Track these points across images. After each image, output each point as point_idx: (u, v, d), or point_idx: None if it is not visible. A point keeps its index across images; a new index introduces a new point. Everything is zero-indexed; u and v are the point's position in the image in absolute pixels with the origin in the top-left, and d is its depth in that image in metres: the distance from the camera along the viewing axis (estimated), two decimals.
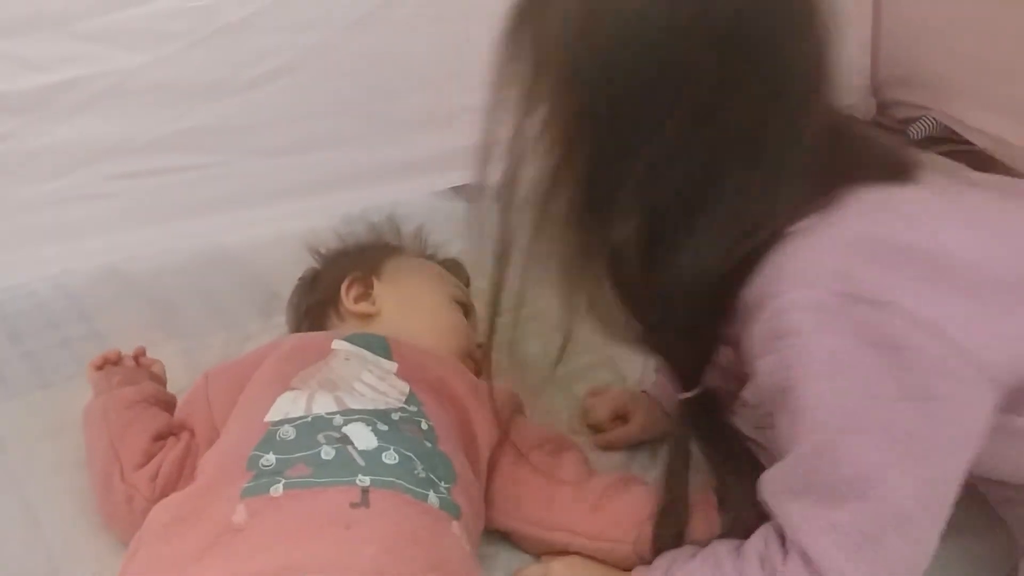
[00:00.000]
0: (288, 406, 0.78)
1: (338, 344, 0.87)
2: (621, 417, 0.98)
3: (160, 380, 0.95)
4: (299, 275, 1.07)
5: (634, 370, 1.06)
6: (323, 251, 1.07)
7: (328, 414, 0.76)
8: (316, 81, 1.22)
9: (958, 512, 0.67)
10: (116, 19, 1.09)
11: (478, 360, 0.97)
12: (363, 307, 0.96)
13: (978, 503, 0.81)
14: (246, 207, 1.26)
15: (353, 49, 1.22)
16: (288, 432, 0.75)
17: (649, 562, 0.77)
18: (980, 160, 1.38)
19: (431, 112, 1.30)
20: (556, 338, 1.13)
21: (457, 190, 1.38)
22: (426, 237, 1.11)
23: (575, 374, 1.06)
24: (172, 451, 0.83)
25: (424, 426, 0.79)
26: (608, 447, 0.97)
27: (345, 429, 0.74)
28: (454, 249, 1.16)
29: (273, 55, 1.19)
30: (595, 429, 0.99)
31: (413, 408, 0.81)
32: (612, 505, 0.83)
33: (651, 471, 0.93)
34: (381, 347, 0.87)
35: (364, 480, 0.70)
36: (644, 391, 0.99)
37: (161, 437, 0.85)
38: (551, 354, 1.06)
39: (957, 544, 0.81)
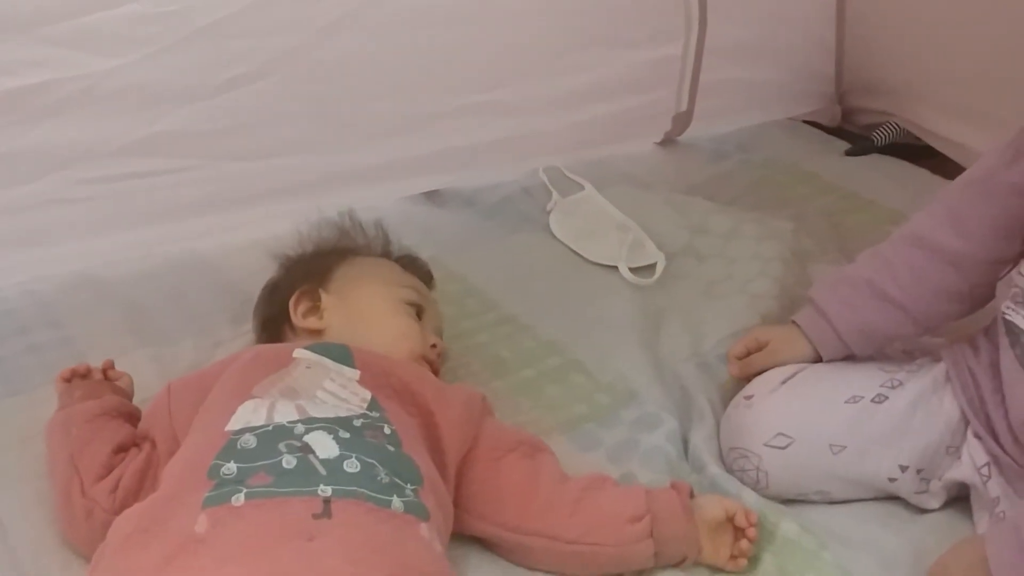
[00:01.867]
0: (249, 415, 0.78)
1: (299, 353, 0.87)
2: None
3: (126, 394, 0.95)
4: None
5: (604, 372, 1.08)
6: (283, 258, 1.07)
7: (289, 423, 0.77)
8: (289, 85, 1.23)
9: None
10: (87, 23, 1.09)
11: (433, 361, 0.98)
12: (311, 322, 0.97)
13: None
14: (219, 212, 1.27)
15: (325, 54, 1.23)
16: (249, 441, 0.75)
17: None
18: (943, 165, 1.41)
19: (403, 117, 1.31)
20: (526, 340, 1.16)
21: (429, 195, 1.40)
22: (387, 234, 1.11)
23: (545, 376, 1.08)
24: (133, 463, 0.83)
25: (387, 431, 0.80)
26: (744, 373, 0.99)
27: (306, 438, 0.75)
28: (424, 254, 1.17)
29: (245, 59, 1.19)
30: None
31: (375, 414, 0.81)
32: (590, 508, 0.83)
33: (622, 470, 0.94)
34: (343, 355, 0.88)
35: (326, 490, 0.71)
36: (793, 320, 1.01)
37: (122, 449, 0.85)
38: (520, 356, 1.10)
39: None
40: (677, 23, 1.36)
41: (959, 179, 0.99)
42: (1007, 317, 0.88)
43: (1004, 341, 0.88)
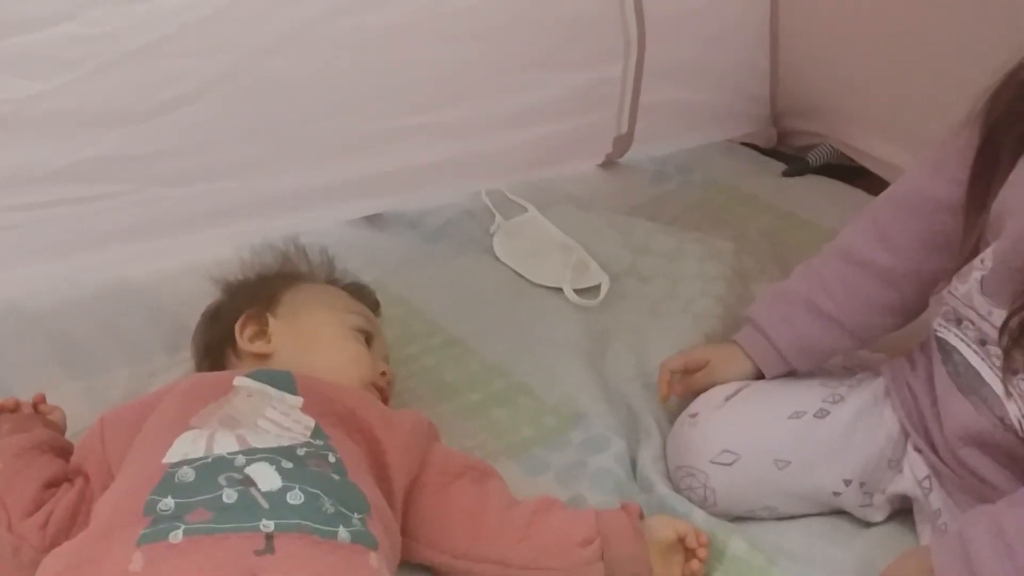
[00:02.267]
0: (187, 447, 0.75)
1: (240, 381, 0.85)
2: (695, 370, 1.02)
3: (58, 428, 0.91)
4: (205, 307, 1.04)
5: (551, 394, 1.07)
6: (225, 283, 1.04)
7: (230, 454, 0.74)
8: (225, 107, 1.20)
9: None
10: (12, 45, 1.05)
11: (382, 388, 0.96)
12: (258, 346, 0.95)
13: None
14: (152, 238, 1.23)
15: (261, 75, 1.21)
16: (187, 474, 0.72)
17: None
18: (876, 184, 1.44)
19: (344, 139, 1.30)
20: (472, 364, 1.15)
21: (371, 218, 1.38)
22: (332, 261, 1.09)
23: (492, 399, 1.07)
24: (64, 498, 0.80)
25: (332, 459, 0.78)
26: (688, 391, 1.00)
27: (248, 470, 0.73)
28: (367, 278, 1.15)
29: (179, 81, 1.16)
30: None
31: (319, 442, 0.79)
32: (540, 532, 0.83)
33: (571, 492, 0.94)
34: (286, 382, 0.85)
35: (268, 525, 0.69)
36: (734, 339, 1.02)
37: (53, 484, 0.81)
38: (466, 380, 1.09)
39: None
40: (616, 45, 1.37)
41: (884, 195, 1.01)
42: (939, 334, 0.90)
43: (936, 357, 0.90)
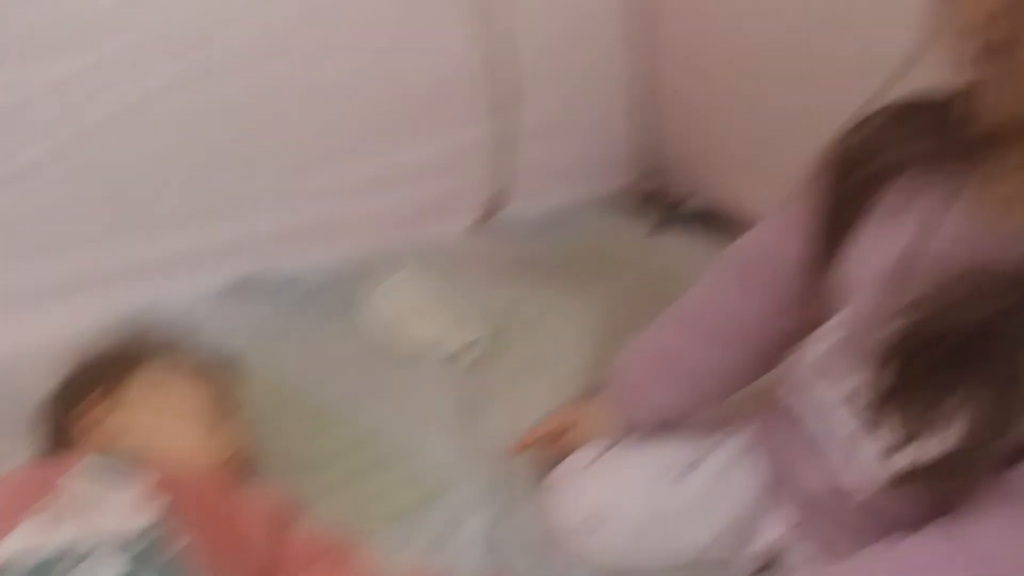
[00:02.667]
0: (22, 541, 0.70)
1: (81, 466, 0.80)
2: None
3: None
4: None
5: (420, 462, 1.06)
6: (71, 362, 0.99)
7: (66, 547, 0.70)
8: (79, 174, 1.15)
9: None
10: None
11: (236, 467, 0.93)
12: (104, 429, 0.90)
13: None
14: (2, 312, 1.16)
15: (120, 140, 1.16)
16: (19, 573, 0.67)
17: None
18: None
19: (204, 205, 1.26)
20: (341, 434, 1.12)
21: (234, 286, 1.34)
22: (187, 334, 1.06)
23: (360, 471, 1.04)
24: None
25: (177, 546, 0.74)
26: (555, 454, 1.00)
27: (85, 563, 0.68)
28: (230, 350, 1.12)
29: (24, 151, 1.11)
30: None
31: (165, 528, 0.75)
32: None
33: (442, 562, 0.91)
34: (129, 466, 0.81)
35: None
36: (597, 401, 1.02)
37: None
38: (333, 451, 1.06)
39: None
40: (484, 106, 1.38)
41: (729, 251, 1.02)
42: (788, 399, 0.92)
43: (789, 418, 0.92)
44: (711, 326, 0.99)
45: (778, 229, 0.95)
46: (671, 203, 1.66)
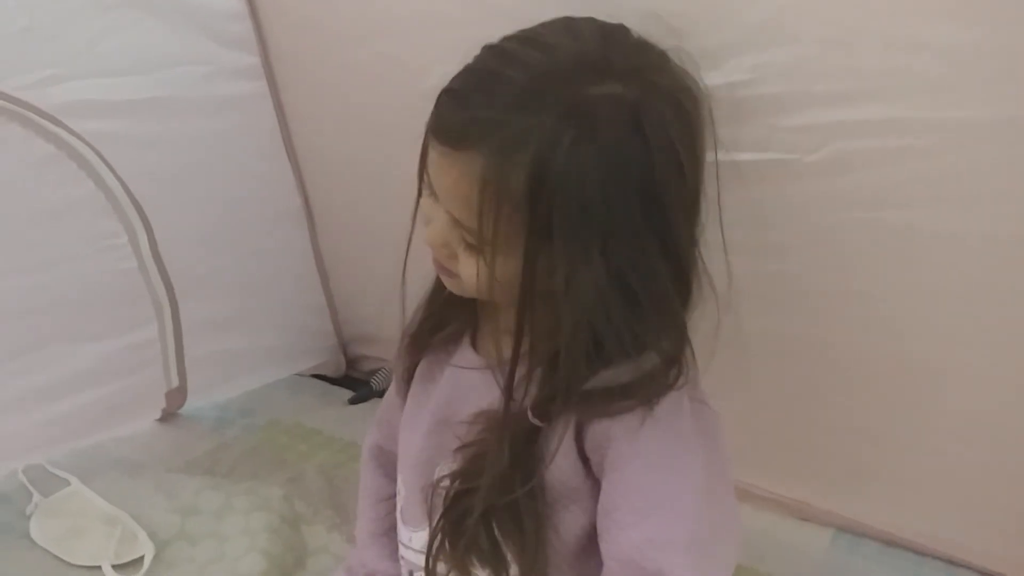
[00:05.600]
0: None
1: None
2: None
3: None
4: None
5: None
6: None
7: None
8: None
9: None
10: None
11: None
12: None
13: None
14: None
15: None
16: None
17: None
18: None
19: None
20: None
21: None
22: None
23: None
24: None
25: None
26: None
27: None
28: None
29: None
30: None
31: None
32: None
33: None
34: None
35: None
36: None
37: None
38: None
39: None
40: (148, 309, 1.38)
41: (370, 434, 1.12)
42: None
43: None
44: (374, 522, 1.04)
45: (386, 403, 1.08)
46: (370, 371, 1.70)
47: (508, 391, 0.79)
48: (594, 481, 0.80)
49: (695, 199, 0.80)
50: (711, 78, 0.85)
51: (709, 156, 0.81)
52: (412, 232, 0.87)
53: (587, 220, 0.72)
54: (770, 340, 1.07)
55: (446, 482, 0.83)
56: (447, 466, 0.85)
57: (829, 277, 1.03)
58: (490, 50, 0.77)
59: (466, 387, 0.87)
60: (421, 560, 0.89)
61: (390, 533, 1.00)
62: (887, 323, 1.04)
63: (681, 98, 0.77)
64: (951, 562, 1.19)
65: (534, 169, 0.71)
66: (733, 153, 0.87)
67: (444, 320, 0.93)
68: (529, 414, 0.78)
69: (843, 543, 1.24)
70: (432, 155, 0.78)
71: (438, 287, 0.92)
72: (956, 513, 1.17)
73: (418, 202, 0.84)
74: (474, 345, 0.90)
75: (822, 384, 1.13)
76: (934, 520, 1.19)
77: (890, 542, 1.23)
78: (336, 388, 1.68)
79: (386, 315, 1.66)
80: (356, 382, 1.70)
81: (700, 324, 0.83)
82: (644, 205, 0.73)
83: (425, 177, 0.81)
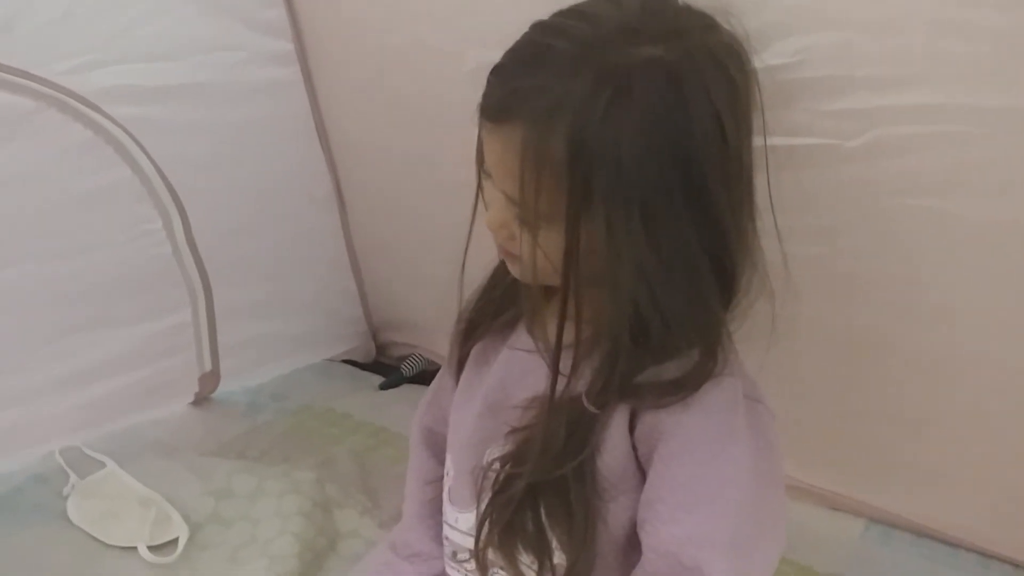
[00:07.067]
0: None
1: None
2: None
3: None
4: None
5: None
6: None
7: None
8: None
9: None
10: None
11: None
12: None
13: None
14: None
15: None
16: None
17: None
18: None
19: None
20: None
21: None
22: None
23: None
24: None
25: None
26: None
27: None
28: None
29: None
30: None
31: None
32: None
33: None
34: None
35: None
36: None
37: None
38: None
39: None
40: (182, 294, 1.39)
41: (417, 417, 1.08)
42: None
43: None
44: (420, 504, 1.03)
45: (438, 385, 1.06)
46: (400, 358, 1.71)
47: (555, 366, 0.79)
48: (643, 473, 0.80)
49: (739, 170, 0.77)
50: (752, 61, 0.84)
51: (757, 140, 0.80)
52: (473, 219, 0.85)
53: (625, 183, 0.71)
54: (805, 326, 1.07)
55: (496, 465, 0.83)
56: (498, 449, 0.84)
57: (868, 264, 1.01)
58: (537, 25, 0.77)
59: (521, 371, 0.87)
60: (466, 541, 0.89)
61: (436, 515, 1.00)
62: (928, 310, 1.02)
63: (727, 62, 0.75)
64: (984, 554, 1.18)
65: (572, 133, 0.70)
66: (773, 137, 0.86)
67: (503, 306, 0.92)
68: (584, 400, 0.78)
69: (875, 534, 1.23)
70: (482, 135, 0.78)
71: (499, 272, 0.92)
72: (990, 505, 1.15)
73: (479, 189, 0.84)
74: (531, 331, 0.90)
75: (860, 371, 1.12)
76: (967, 512, 1.18)
77: (922, 533, 1.22)
78: (366, 373, 1.69)
79: (416, 301, 1.70)
80: (386, 367, 1.71)
81: (755, 315, 0.82)
82: (681, 168, 0.72)
83: (484, 162, 0.81)
